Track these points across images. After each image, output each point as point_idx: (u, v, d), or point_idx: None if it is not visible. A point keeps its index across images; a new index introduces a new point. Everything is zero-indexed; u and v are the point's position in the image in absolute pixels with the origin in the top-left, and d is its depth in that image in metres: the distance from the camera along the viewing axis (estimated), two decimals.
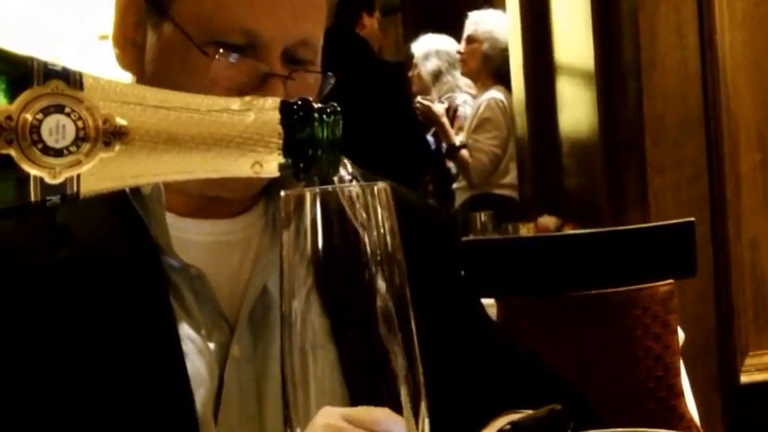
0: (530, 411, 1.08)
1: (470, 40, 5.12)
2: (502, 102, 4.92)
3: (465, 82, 5.55)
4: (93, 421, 1.10)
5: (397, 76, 4.55)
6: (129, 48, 1.22)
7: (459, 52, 5.28)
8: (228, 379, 1.17)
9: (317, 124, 0.74)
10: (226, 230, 1.24)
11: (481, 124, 5.02)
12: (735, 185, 3.38)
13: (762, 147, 3.41)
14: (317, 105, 0.75)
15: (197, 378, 1.15)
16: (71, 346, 1.11)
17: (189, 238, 1.21)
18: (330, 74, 1.22)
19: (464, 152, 5.02)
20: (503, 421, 1.08)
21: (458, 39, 5.35)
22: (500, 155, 4.95)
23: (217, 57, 1.13)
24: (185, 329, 1.17)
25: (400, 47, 8.32)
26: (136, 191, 1.18)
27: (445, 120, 5.21)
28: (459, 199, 5.21)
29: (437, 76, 5.65)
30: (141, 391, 1.12)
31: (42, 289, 1.13)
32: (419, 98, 5.34)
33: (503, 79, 4.87)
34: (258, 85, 1.14)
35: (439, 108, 5.27)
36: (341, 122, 0.77)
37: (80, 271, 1.14)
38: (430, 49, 5.70)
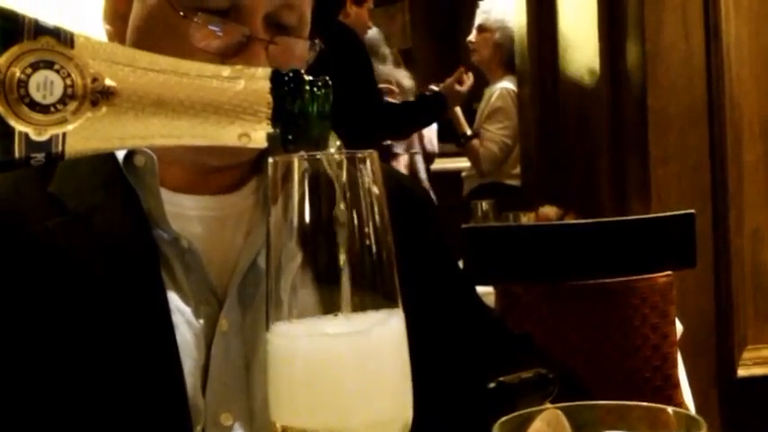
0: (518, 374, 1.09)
1: (481, 29, 5.08)
2: (514, 91, 4.87)
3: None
4: (82, 388, 1.11)
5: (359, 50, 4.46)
6: (119, 23, 1.22)
7: (470, 41, 5.22)
8: (216, 352, 1.18)
9: (306, 96, 0.74)
10: (218, 206, 1.24)
11: (493, 114, 4.98)
12: (737, 177, 3.37)
13: (765, 139, 3.40)
14: (308, 78, 0.75)
15: (186, 350, 1.16)
16: (61, 313, 1.11)
17: (181, 212, 1.21)
18: (316, 41, 1.21)
19: (475, 141, 4.99)
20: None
21: (466, 27, 5.32)
22: (511, 145, 4.91)
23: (196, 20, 1.12)
24: (175, 301, 1.17)
25: (407, 33, 8.31)
26: (130, 163, 1.19)
27: (457, 108, 5.18)
28: (468, 187, 5.18)
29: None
30: (131, 361, 1.12)
31: (35, 256, 1.13)
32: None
33: (514, 69, 4.84)
34: (240, 50, 1.13)
35: None
36: (331, 96, 0.76)
37: (72, 240, 1.14)
38: None
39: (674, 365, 2.47)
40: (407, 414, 0.76)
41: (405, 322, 0.75)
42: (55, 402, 1.10)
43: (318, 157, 0.74)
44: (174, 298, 1.17)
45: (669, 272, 2.46)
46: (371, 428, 0.72)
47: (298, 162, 0.72)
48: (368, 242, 0.73)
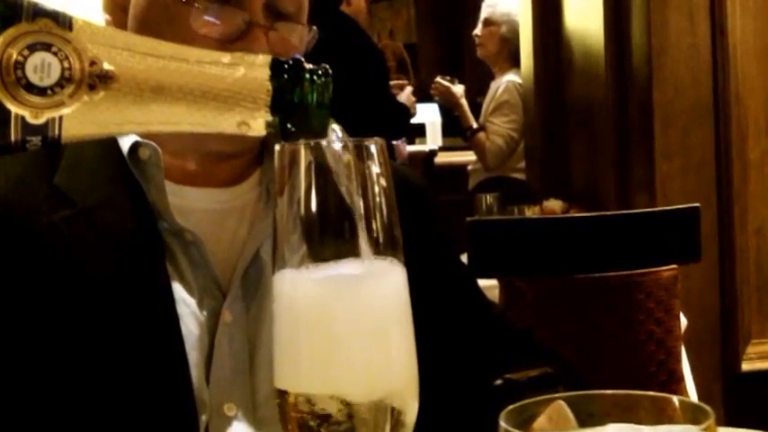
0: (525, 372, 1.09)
1: (487, 22, 5.06)
2: (520, 85, 4.84)
3: None
4: (89, 379, 1.11)
5: (376, 52, 4.45)
6: (118, 13, 1.22)
7: (476, 35, 5.20)
8: (219, 344, 1.18)
9: (306, 84, 0.74)
10: (221, 199, 1.25)
11: (499, 107, 4.96)
12: (742, 173, 3.37)
13: None
14: (308, 66, 0.74)
15: (190, 341, 1.16)
16: (68, 306, 1.11)
17: (185, 205, 1.21)
18: (314, 27, 1.22)
19: (481, 135, 4.98)
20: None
21: (472, 21, 5.30)
22: (517, 138, 4.88)
23: (197, 5, 1.13)
24: (180, 293, 1.17)
25: (412, 28, 8.30)
26: (134, 156, 1.18)
27: (464, 101, 5.16)
28: (474, 181, 5.16)
29: None
30: (138, 353, 1.13)
31: (42, 249, 1.13)
32: (438, 78, 5.31)
33: (520, 62, 4.83)
34: (240, 36, 1.14)
35: (458, 89, 5.23)
36: (331, 85, 0.76)
37: (78, 232, 1.14)
38: None
39: (679, 360, 2.46)
40: (412, 389, 0.75)
41: (406, 279, 0.75)
42: (62, 393, 1.11)
43: (324, 144, 0.73)
44: (179, 290, 1.17)
45: (674, 266, 2.46)
46: (371, 400, 0.71)
47: (304, 151, 0.72)
48: (375, 230, 0.73)
